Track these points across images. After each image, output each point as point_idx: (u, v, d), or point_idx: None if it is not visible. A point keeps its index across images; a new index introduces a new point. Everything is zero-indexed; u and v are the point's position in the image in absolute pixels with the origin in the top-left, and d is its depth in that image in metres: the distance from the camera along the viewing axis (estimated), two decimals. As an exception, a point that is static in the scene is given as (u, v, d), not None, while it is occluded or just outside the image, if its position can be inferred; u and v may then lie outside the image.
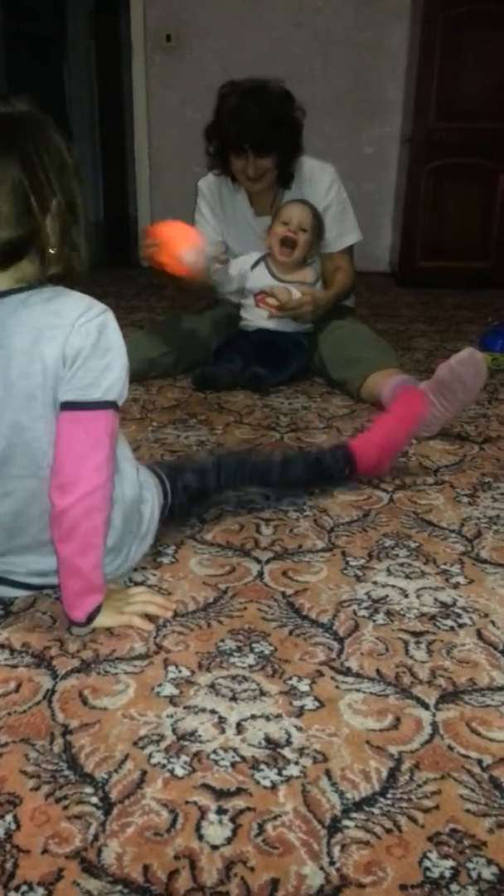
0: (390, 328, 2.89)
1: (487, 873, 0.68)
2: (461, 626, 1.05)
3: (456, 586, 1.15)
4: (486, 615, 1.08)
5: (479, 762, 0.81)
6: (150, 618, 1.07)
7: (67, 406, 0.97)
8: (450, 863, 0.69)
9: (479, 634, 1.03)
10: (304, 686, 0.93)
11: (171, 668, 0.97)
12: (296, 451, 1.48)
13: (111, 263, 4.46)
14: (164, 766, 0.80)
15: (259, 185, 2.14)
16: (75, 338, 0.95)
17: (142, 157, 4.36)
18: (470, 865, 0.69)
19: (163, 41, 4.15)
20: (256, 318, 2.18)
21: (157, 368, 2.21)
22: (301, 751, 0.83)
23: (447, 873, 0.68)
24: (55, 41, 5.94)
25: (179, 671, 0.96)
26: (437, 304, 3.44)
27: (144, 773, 0.80)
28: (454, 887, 0.67)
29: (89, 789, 0.77)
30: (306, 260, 2.17)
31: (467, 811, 0.75)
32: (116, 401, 0.99)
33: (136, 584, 1.15)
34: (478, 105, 3.61)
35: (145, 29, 4.12)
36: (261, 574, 1.19)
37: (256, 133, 2.02)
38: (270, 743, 0.84)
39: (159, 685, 0.93)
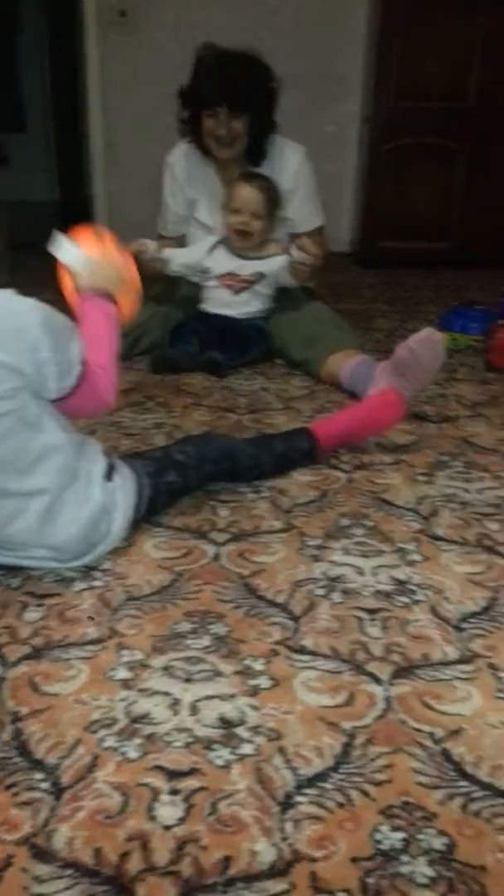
0: (351, 308, 2.88)
1: (438, 843, 0.69)
2: (416, 602, 1.06)
3: (411, 563, 1.16)
4: (441, 591, 1.09)
5: (431, 735, 0.82)
6: (104, 602, 1.06)
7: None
8: (401, 835, 0.70)
9: (433, 610, 1.04)
10: (259, 665, 0.93)
11: (125, 651, 0.96)
12: (265, 444, 1.48)
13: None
14: (116, 749, 0.80)
15: (229, 152, 2.11)
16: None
17: (97, 137, 4.29)
18: (420, 837, 0.69)
19: (117, 17, 4.06)
20: (218, 301, 2.15)
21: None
22: (255, 729, 0.83)
23: (398, 845, 0.69)
24: (5, 18, 5.79)
25: (133, 655, 0.95)
26: (398, 284, 3.44)
27: (96, 757, 0.79)
28: (404, 858, 0.67)
29: (40, 775, 0.77)
30: (266, 238, 2.14)
31: (419, 784, 0.75)
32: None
33: (90, 568, 1.14)
34: (438, 85, 3.60)
35: (98, 4, 4.04)
36: (217, 556, 1.19)
37: (233, 89, 2.00)
38: (224, 722, 0.84)
39: (112, 669, 0.92)
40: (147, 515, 1.25)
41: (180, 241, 2.29)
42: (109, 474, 1.17)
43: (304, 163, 2.21)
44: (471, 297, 2.90)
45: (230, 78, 2.01)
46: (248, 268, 2.09)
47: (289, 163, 2.18)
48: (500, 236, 3.70)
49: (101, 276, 1.32)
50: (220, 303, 2.14)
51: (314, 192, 2.25)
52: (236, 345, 2.12)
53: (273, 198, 2.07)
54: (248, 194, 2.04)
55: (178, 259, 2.13)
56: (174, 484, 1.28)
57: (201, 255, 2.13)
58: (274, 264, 2.08)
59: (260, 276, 2.09)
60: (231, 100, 2.01)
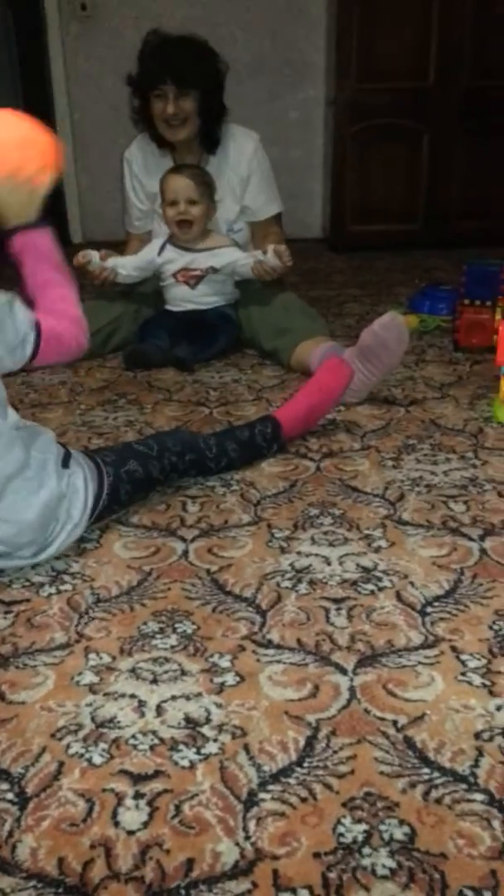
0: (322, 295, 2.88)
1: (399, 833, 0.69)
2: (381, 589, 1.06)
3: (377, 550, 1.16)
4: (406, 576, 1.09)
5: (395, 723, 0.82)
6: (72, 605, 1.05)
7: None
8: (363, 826, 0.70)
9: (399, 596, 1.04)
10: (225, 662, 0.93)
11: (92, 655, 0.96)
12: (227, 433, 1.48)
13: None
14: (81, 755, 0.80)
15: (180, 133, 2.08)
16: None
17: (64, 132, 4.24)
18: (382, 827, 0.70)
19: (78, 10, 4.02)
20: (179, 298, 2.14)
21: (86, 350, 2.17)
22: (220, 727, 0.83)
23: (360, 837, 0.69)
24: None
25: (101, 658, 0.95)
26: (369, 268, 3.44)
27: (62, 764, 0.79)
28: (366, 850, 0.67)
29: (5, 785, 0.76)
30: (206, 226, 2.11)
31: (381, 773, 0.76)
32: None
33: (59, 572, 1.13)
34: (399, 65, 3.59)
35: (58, -3, 3.99)
36: (186, 553, 1.18)
37: (178, 65, 1.99)
38: (190, 722, 0.84)
39: (79, 674, 0.92)
40: (112, 506, 1.24)
41: (148, 238, 2.27)
42: (66, 462, 1.16)
43: (258, 149, 2.20)
44: (439, 278, 2.90)
45: (174, 55, 2.02)
46: (198, 261, 2.08)
47: (243, 150, 2.17)
48: (466, 214, 3.71)
49: (15, 201, 1.12)
50: (182, 299, 2.13)
51: (271, 179, 2.24)
52: (204, 336, 2.12)
53: (206, 181, 2.06)
54: (178, 183, 2.03)
55: (128, 265, 2.11)
56: (135, 472, 1.26)
57: (152, 256, 2.11)
58: (224, 257, 2.07)
59: (213, 270, 2.08)
60: (176, 76, 2.00)
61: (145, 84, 2.06)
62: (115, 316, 2.21)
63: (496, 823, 0.69)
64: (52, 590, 1.10)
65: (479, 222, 3.64)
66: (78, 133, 4.22)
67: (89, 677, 0.91)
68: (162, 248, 2.11)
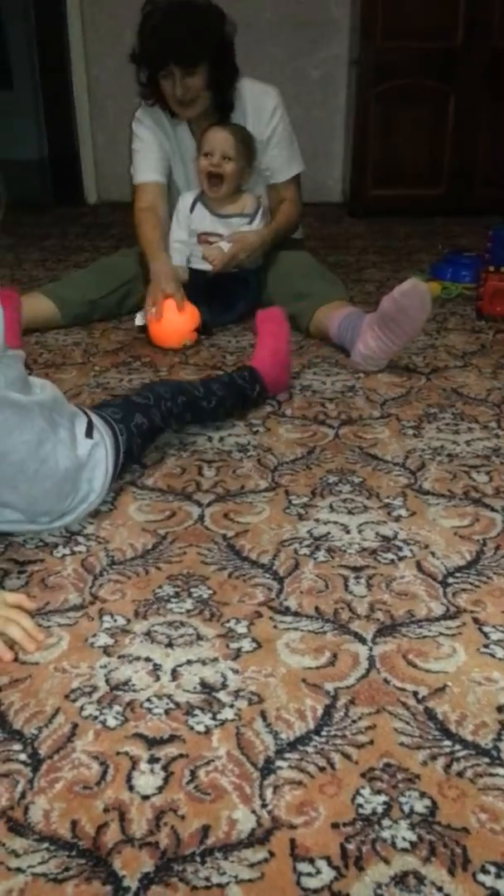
0: (341, 260, 2.83)
1: (420, 806, 0.67)
2: (401, 558, 1.04)
3: (398, 519, 1.14)
4: (427, 546, 1.07)
5: (415, 694, 0.80)
6: (86, 567, 1.04)
7: None
8: (382, 798, 0.68)
9: (419, 566, 1.02)
10: (241, 628, 0.91)
11: (107, 617, 0.94)
12: (209, 379, 1.51)
13: (57, 202, 4.29)
14: (95, 717, 0.78)
15: (192, 111, 2.02)
16: None
17: (81, 90, 4.16)
18: (402, 799, 0.68)
19: (96, -36, 3.92)
20: (200, 257, 2.10)
21: (100, 310, 2.14)
22: (236, 693, 0.81)
23: (379, 809, 0.67)
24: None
25: (115, 620, 0.94)
26: (389, 233, 3.37)
27: (76, 725, 0.78)
28: (385, 822, 0.66)
29: (17, 746, 0.75)
30: (240, 187, 2.07)
31: (401, 744, 0.74)
32: None
33: (72, 533, 1.12)
34: (426, 24, 3.48)
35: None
36: (202, 517, 1.17)
37: (179, 45, 1.89)
38: (206, 687, 0.82)
39: (93, 636, 0.91)
40: (128, 463, 1.24)
41: (162, 191, 2.17)
42: (90, 431, 1.15)
43: (278, 106, 2.10)
44: (462, 244, 2.84)
45: (176, 35, 1.89)
46: (219, 228, 2.03)
47: (262, 108, 2.08)
48: (492, 180, 3.62)
49: None
50: (203, 258, 2.08)
51: (292, 137, 2.15)
52: (223, 301, 2.08)
53: (247, 143, 1.99)
54: (218, 135, 1.96)
55: (175, 252, 2.06)
56: (143, 425, 1.27)
57: (186, 213, 2.06)
58: (239, 229, 2.02)
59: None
60: (180, 58, 1.90)
61: (149, 65, 1.98)
62: (131, 277, 2.17)
63: (520, 799, 0.68)
64: (66, 551, 1.08)
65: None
66: (94, 90, 4.14)
67: (104, 639, 0.90)
68: (193, 205, 2.06)
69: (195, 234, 2.07)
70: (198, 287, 2.08)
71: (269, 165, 2.13)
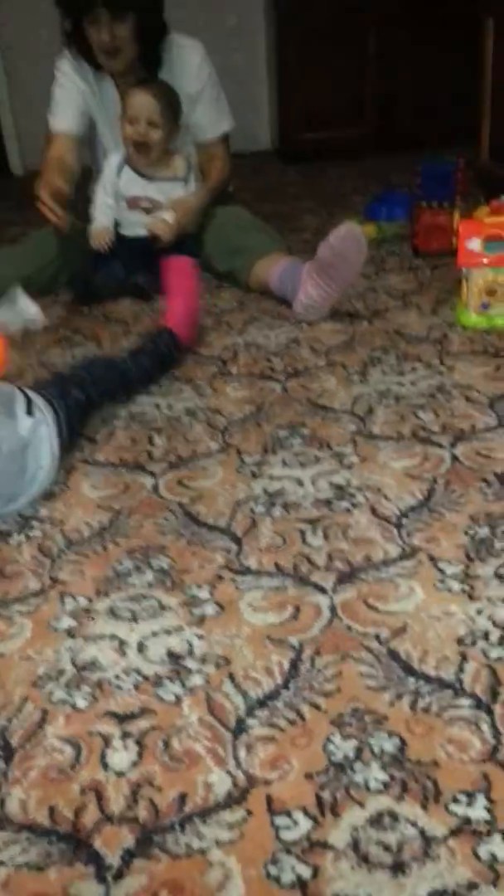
0: (276, 210, 2.78)
1: (389, 746, 0.69)
2: (355, 505, 1.05)
3: (350, 467, 1.14)
4: (379, 489, 1.07)
5: (377, 637, 0.81)
6: (44, 551, 1.03)
7: None
8: (352, 743, 0.70)
9: (373, 510, 1.03)
10: (204, 594, 0.92)
11: (68, 599, 0.93)
12: (136, 351, 1.50)
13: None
14: (65, 701, 0.78)
15: (118, 62, 1.94)
16: None
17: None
18: (372, 741, 0.69)
19: None
20: (133, 223, 2.04)
21: (36, 285, 2.07)
22: (203, 658, 0.82)
23: (351, 754, 0.69)
24: None
25: (77, 601, 0.93)
26: (322, 177, 3.32)
27: (45, 712, 0.77)
28: (357, 766, 0.67)
29: (-11, 740, 0.75)
30: (168, 147, 2.01)
31: (368, 688, 0.75)
32: None
33: (26, 518, 1.10)
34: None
35: None
36: (155, 487, 1.16)
37: None
38: (172, 657, 0.82)
39: (56, 619, 0.90)
40: (70, 438, 1.23)
41: (77, 146, 2.10)
42: (30, 409, 1.13)
43: (204, 60, 2.03)
44: (395, 182, 2.81)
45: None
46: (150, 192, 1.98)
47: (188, 64, 2.01)
48: (417, 114, 3.57)
49: None
50: (137, 223, 2.03)
51: (220, 92, 2.09)
52: (160, 265, 2.03)
53: (172, 104, 1.93)
54: (143, 100, 1.89)
55: (101, 215, 2.00)
56: (80, 400, 1.27)
57: (113, 178, 2.00)
58: (174, 193, 1.97)
59: (161, 205, 1.98)
60: (109, 1, 1.84)
61: (76, 10, 1.89)
62: (63, 248, 2.11)
63: (485, 727, 0.69)
64: (21, 537, 1.07)
65: (436, 120, 3.50)
66: (7, 49, 3.96)
67: (67, 622, 0.90)
68: (120, 169, 2.00)
69: (123, 199, 2.02)
70: (132, 253, 2.03)
71: (196, 122, 2.07)
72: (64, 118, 2.08)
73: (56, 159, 2.04)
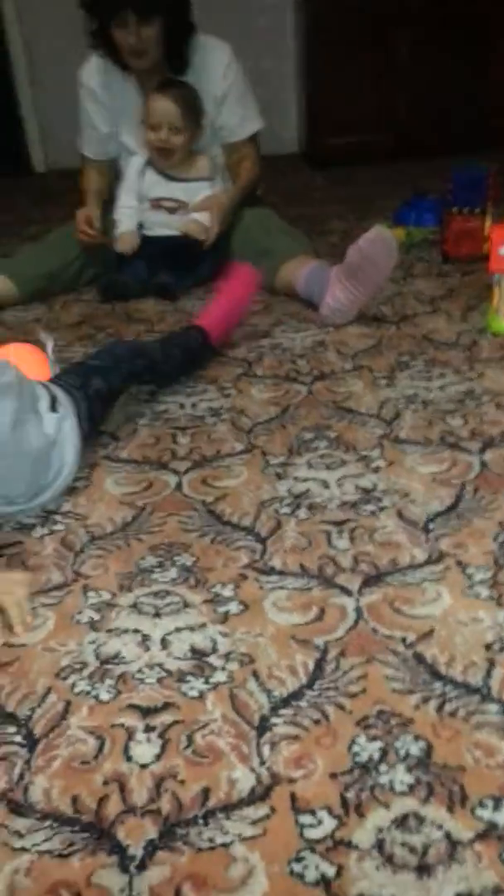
0: (303, 213, 2.78)
1: (415, 749, 0.68)
2: (382, 509, 1.04)
3: (376, 470, 1.14)
4: (407, 494, 1.07)
5: (403, 640, 0.81)
6: (67, 545, 1.03)
7: None
8: (378, 744, 0.69)
9: (400, 514, 1.02)
10: (227, 592, 0.91)
11: (91, 593, 0.94)
12: (166, 340, 1.51)
13: (2, 173, 4.16)
14: (88, 693, 0.78)
15: (145, 61, 1.95)
16: None
17: (17, 52, 4.01)
18: (398, 744, 0.69)
19: None
20: (156, 223, 2.05)
21: (59, 283, 2.10)
22: (227, 656, 0.81)
23: (376, 755, 0.68)
24: None
25: (100, 595, 0.93)
26: (350, 182, 3.32)
27: (68, 703, 0.78)
28: (382, 768, 0.67)
29: (12, 728, 0.75)
30: (192, 148, 2.02)
31: (393, 690, 0.75)
32: None
33: (49, 513, 1.11)
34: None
35: None
36: (179, 485, 1.16)
37: None
38: (196, 653, 0.82)
39: (79, 613, 0.90)
40: (91, 429, 1.22)
41: (108, 167, 2.15)
42: (53, 405, 1.13)
43: (232, 61, 2.04)
44: (425, 187, 2.80)
45: None
46: (175, 192, 1.99)
47: (215, 65, 2.01)
48: (450, 120, 3.56)
49: None
50: (160, 224, 2.04)
51: (248, 93, 2.09)
52: (184, 265, 2.04)
53: (193, 106, 1.93)
54: (163, 106, 1.90)
55: (125, 218, 2.02)
56: (101, 390, 1.26)
57: (135, 179, 2.01)
58: (200, 192, 1.98)
59: (185, 207, 1.99)
60: (137, 4, 1.84)
61: (103, 12, 1.90)
62: (87, 247, 2.13)
63: (512, 733, 0.69)
64: (45, 531, 1.07)
65: (468, 125, 3.48)
66: (32, 46, 3.97)
67: (90, 615, 0.90)
68: (143, 170, 2.01)
69: (146, 200, 2.03)
70: (155, 253, 2.04)
71: (224, 124, 2.07)
72: (91, 145, 2.15)
73: (94, 192, 2.13)
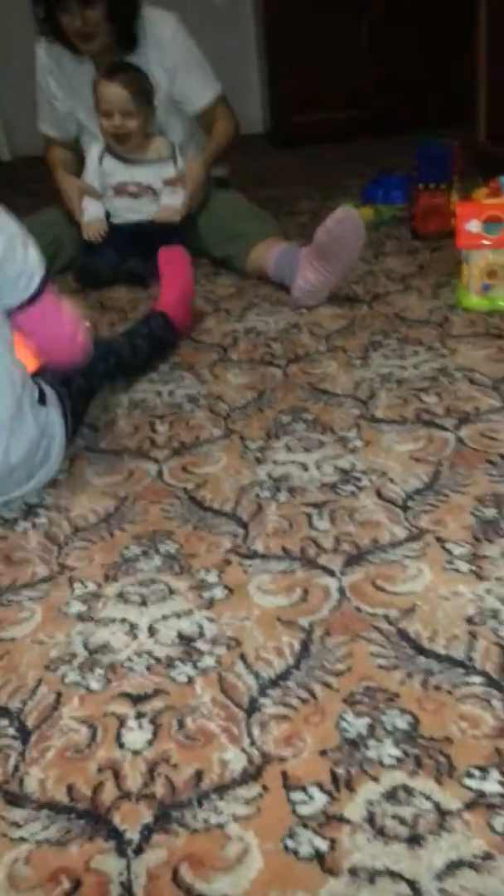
0: (271, 195, 2.77)
1: (402, 723, 0.70)
2: (361, 489, 1.05)
3: (354, 451, 1.15)
4: (384, 473, 1.08)
5: (386, 617, 0.82)
6: (50, 538, 1.03)
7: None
8: (365, 720, 0.71)
9: (379, 493, 1.04)
10: (212, 577, 0.92)
11: (77, 584, 0.94)
12: (131, 333, 1.51)
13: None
14: (78, 683, 0.79)
15: (93, 45, 1.94)
16: None
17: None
18: (384, 719, 0.71)
19: None
20: (123, 209, 2.04)
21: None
22: (214, 640, 0.83)
23: (364, 731, 0.70)
24: None
25: (86, 586, 0.94)
26: (317, 161, 3.31)
27: (59, 694, 0.78)
28: (371, 742, 0.68)
29: (4, 721, 0.76)
30: (148, 130, 1.99)
31: (379, 667, 0.76)
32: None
33: (31, 506, 1.11)
34: None
35: None
36: (160, 473, 1.16)
37: None
38: (183, 639, 0.83)
39: (66, 604, 0.91)
40: (75, 425, 1.23)
41: (71, 147, 2.14)
42: (42, 398, 1.13)
43: (177, 31, 2.02)
44: (391, 164, 2.80)
45: None
46: (136, 176, 1.98)
47: (161, 37, 2.00)
48: (420, 94, 3.54)
49: None
50: (126, 210, 2.02)
51: (200, 60, 2.07)
52: (154, 249, 2.03)
53: (142, 89, 1.92)
54: (113, 92, 1.89)
55: (91, 206, 2.01)
56: (83, 388, 1.27)
57: (95, 166, 1.99)
58: (160, 177, 1.97)
59: (152, 192, 1.98)
60: None
61: (49, 2, 1.90)
62: (57, 234, 2.10)
63: (496, 703, 0.70)
64: (27, 524, 1.07)
65: (433, 100, 3.47)
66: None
67: (77, 606, 0.90)
68: (101, 158, 2.00)
69: (109, 188, 2.01)
70: (124, 240, 2.02)
71: (182, 93, 2.06)
72: (50, 122, 2.16)
73: (63, 164, 2.14)
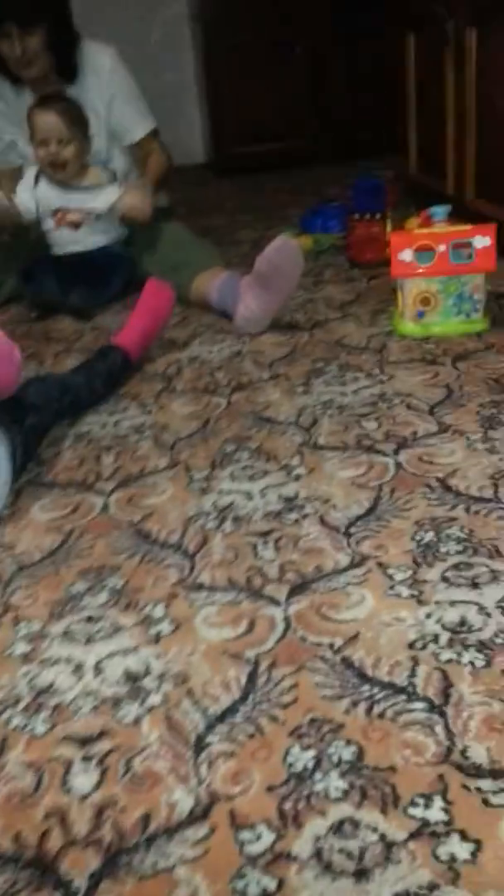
0: (213, 224, 2.81)
1: (347, 754, 0.70)
2: (304, 516, 1.07)
3: (297, 478, 1.16)
4: (328, 500, 1.10)
5: (331, 646, 0.83)
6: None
7: None
8: (311, 753, 0.71)
9: (322, 521, 1.05)
10: (158, 612, 0.92)
11: (22, 624, 0.93)
12: (87, 370, 1.50)
13: None
14: (24, 727, 0.78)
15: (33, 71, 1.96)
16: None
17: None
18: (330, 751, 0.71)
19: None
20: (63, 240, 2.03)
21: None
22: (161, 677, 0.82)
23: (310, 764, 0.70)
24: None
25: (31, 626, 0.93)
26: (258, 191, 3.36)
27: (5, 739, 0.77)
28: (317, 776, 0.69)
29: None
30: (83, 160, 1.99)
31: (324, 697, 0.77)
32: None
33: (-26, 545, 1.09)
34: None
35: None
36: (106, 506, 1.16)
37: (16, 3, 1.86)
38: (130, 677, 0.83)
39: (11, 645, 0.90)
40: (23, 465, 1.22)
41: (10, 171, 2.13)
42: None
43: (115, 64, 2.07)
44: (330, 195, 2.86)
45: None
46: (74, 201, 1.97)
47: (99, 67, 2.04)
48: (355, 126, 3.64)
49: None
50: (66, 241, 2.02)
51: (136, 94, 2.12)
52: (97, 280, 2.03)
53: (76, 116, 1.93)
54: (47, 120, 1.89)
55: (21, 191, 1.99)
56: (36, 427, 1.27)
57: (29, 184, 1.98)
58: (102, 199, 1.96)
59: (94, 217, 1.98)
60: (17, 15, 1.85)
61: None
62: (3, 261, 2.09)
63: (438, 728, 0.71)
64: (-29, 564, 1.06)
65: (368, 131, 3.56)
66: None
67: (21, 647, 0.89)
68: (37, 179, 1.98)
69: (49, 216, 1.99)
70: (65, 272, 2.02)
71: (118, 124, 2.10)
72: (1, 153, 2.14)
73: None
